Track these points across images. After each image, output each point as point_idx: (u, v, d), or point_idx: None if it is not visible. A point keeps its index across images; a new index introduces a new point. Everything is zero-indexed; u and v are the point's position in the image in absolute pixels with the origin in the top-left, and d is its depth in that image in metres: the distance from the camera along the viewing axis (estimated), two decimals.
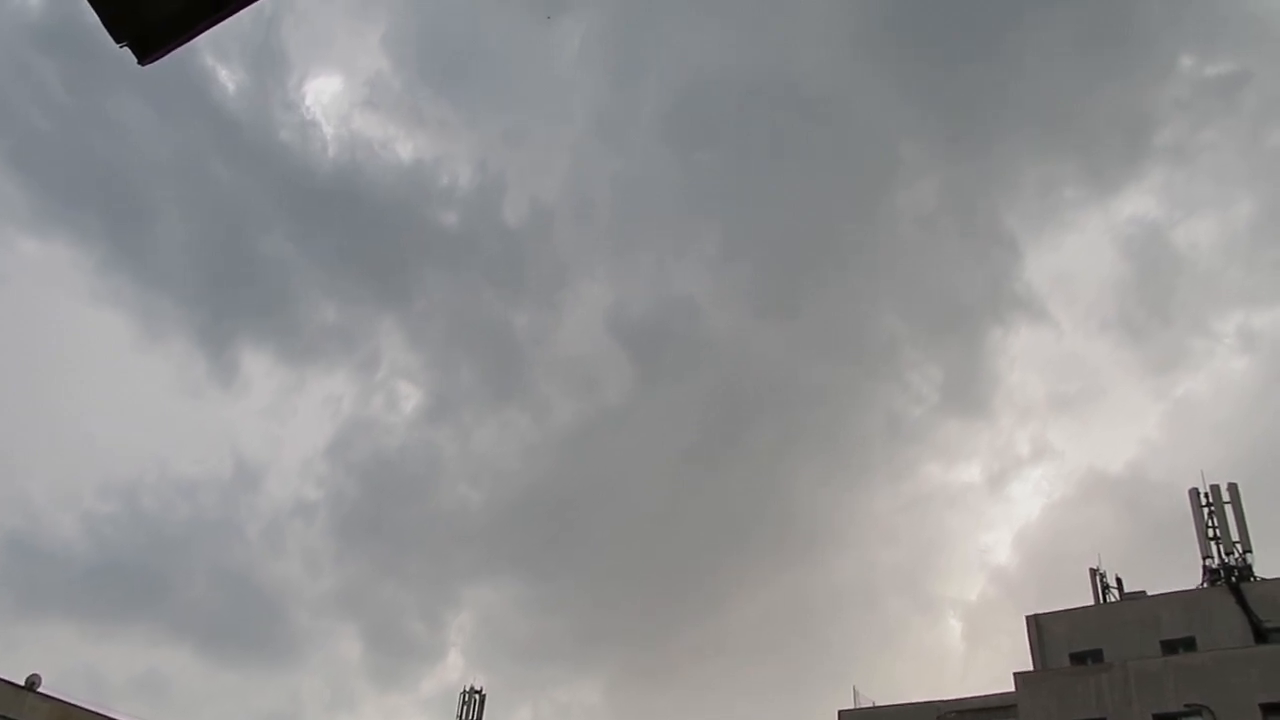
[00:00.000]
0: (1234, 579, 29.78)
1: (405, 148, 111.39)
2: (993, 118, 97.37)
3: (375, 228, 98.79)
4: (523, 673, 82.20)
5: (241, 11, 3.77)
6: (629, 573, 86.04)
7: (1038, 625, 32.36)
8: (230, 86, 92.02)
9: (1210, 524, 30.97)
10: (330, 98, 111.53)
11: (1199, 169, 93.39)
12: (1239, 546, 30.35)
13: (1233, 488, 31.06)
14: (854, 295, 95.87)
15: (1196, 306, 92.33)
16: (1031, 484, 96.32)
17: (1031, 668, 31.56)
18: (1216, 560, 30.46)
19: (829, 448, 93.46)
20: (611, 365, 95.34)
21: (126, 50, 3.78)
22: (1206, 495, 31.52)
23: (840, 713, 32.91)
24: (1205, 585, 30.50)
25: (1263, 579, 29.85)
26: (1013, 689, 29.72)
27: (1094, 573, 33.42)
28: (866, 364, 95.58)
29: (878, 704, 33.08)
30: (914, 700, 32.44)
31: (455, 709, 39.89)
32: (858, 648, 77.20)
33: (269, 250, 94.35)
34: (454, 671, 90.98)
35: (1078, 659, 31.07)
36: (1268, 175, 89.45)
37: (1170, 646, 29.86)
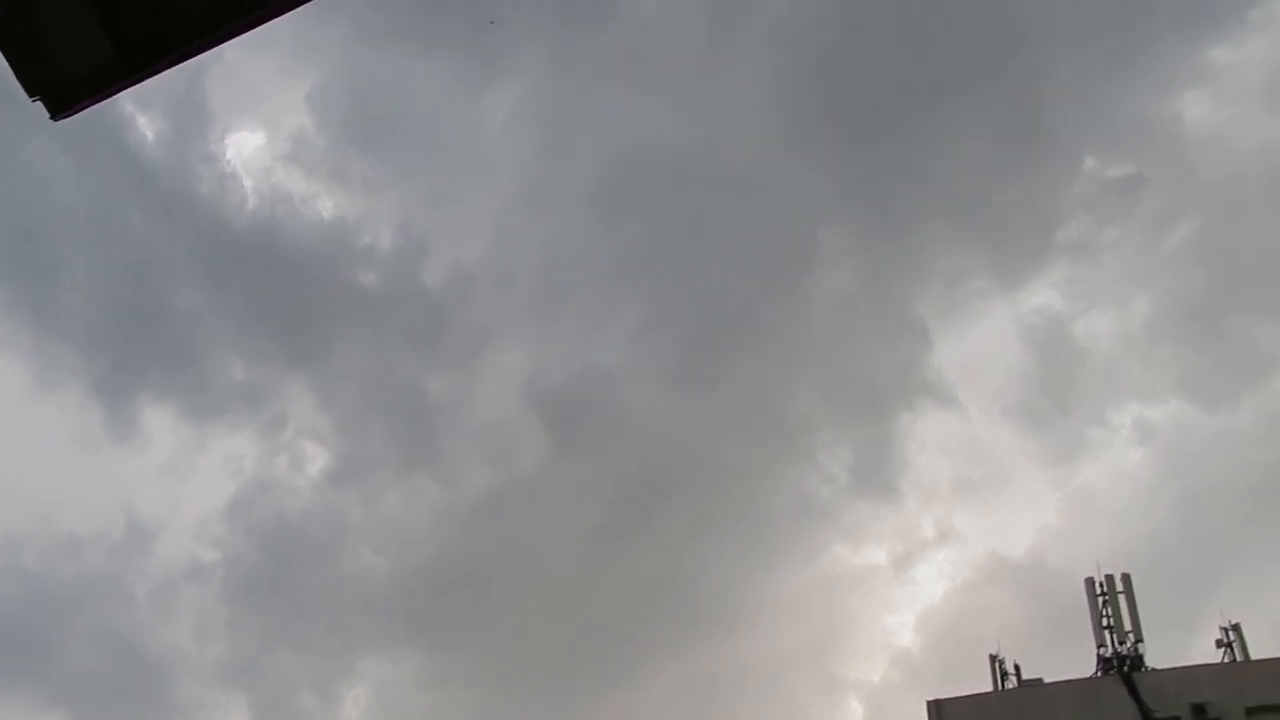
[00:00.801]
0: (1126, 668, 30.44)
1: (327, 205, 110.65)
2: (909, 206, 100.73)
3: (291, 285, 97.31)
4: None
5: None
6: (535, 648, 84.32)
7: (938, 710, 32.54)
8: (149, 135, 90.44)
9: (1105, 613, 31.72)
10: (252, 151, 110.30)
11: (1100, 266, 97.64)
12: (1131, 636, 31.10)
13: (1126, 578, 31.95)
14: (771, 375, 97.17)
15: (1095, 398, 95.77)
16: (936, 567, 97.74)
17: None
18: (1110, 649, 31.13)
19: (740, 526, 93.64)
20: (526, 434, 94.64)
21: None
22: (1101, 585, 32.33)
23: None
24: (1099, 674, 31.11)
25: (1153, 669, 30.56)
26: None
27: (993, 659, 33.85)
28: (780, 444, 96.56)
29: None
30: None
31: None
32: None
33: (178, 303, 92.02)
34: None
35: None
36: (1163, 275, 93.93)
37: None
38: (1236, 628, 31.75)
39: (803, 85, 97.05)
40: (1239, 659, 31.44)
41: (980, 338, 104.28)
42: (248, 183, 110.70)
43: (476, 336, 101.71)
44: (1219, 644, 31.74)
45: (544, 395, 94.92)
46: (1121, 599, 31.75)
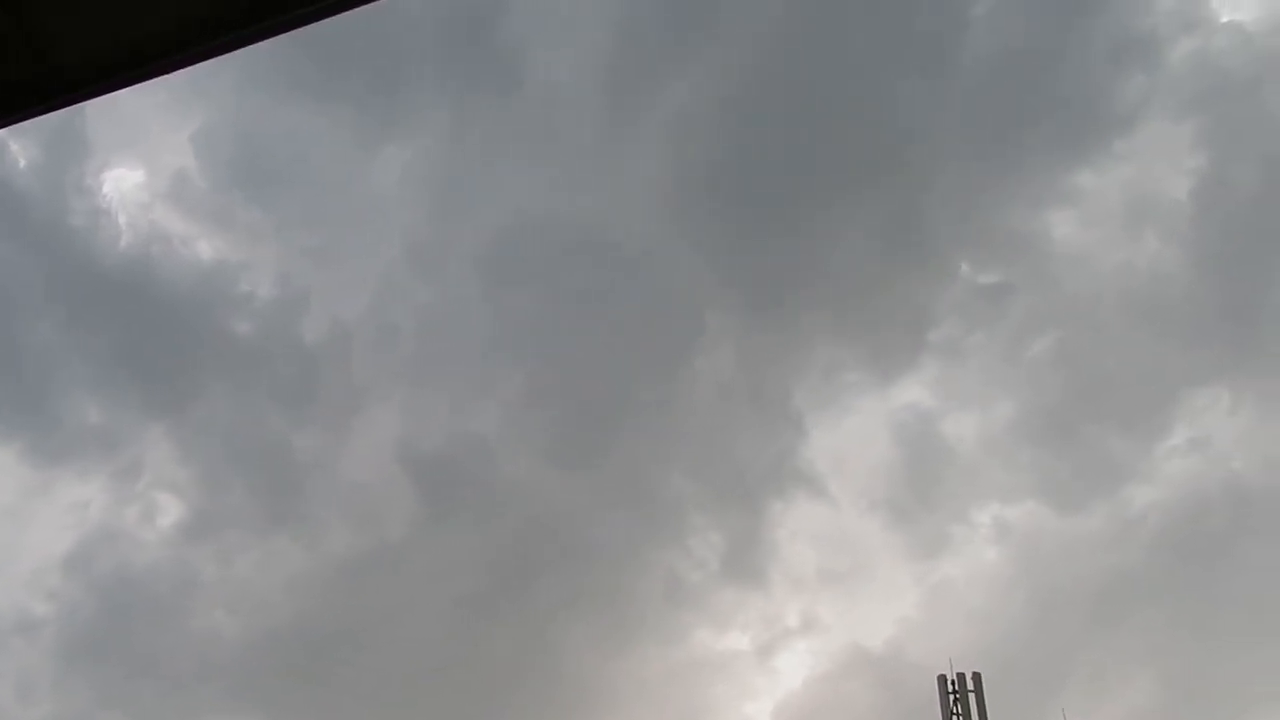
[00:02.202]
0: None
1: (205, 249, 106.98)
2: (792, 298, 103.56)
3: (160, 328, 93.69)
4: None
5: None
6: None
7: None
8: (21, 161, 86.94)
9: (955, 710, 32.39)
10: (131, 188, 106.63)
11: (968, 368, 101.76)
12: None
13: (976, 676, 32.75)
14: (647, 455, 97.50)
15: (958, 495, 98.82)
16: (797, 656, 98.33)
17: None
18: None
19: (607, 606, 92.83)
20: (396, 499, 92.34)
21: None
22: (953, 682, 33.04)
23: None
24: None
25: None
26: None
27: None
28: (652, 525, 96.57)
29: None
30: None
31: None
32: None
33: (33, 339, 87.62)
34: None
35: None
36: (1025, 381, 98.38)
37: None
38: None
39: (697, 172, 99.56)
40: None
41: (852, 430, 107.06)
42: (123, 219, 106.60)
43: (351, 395, 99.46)
44: None
45: (417, 460, 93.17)
46: (971, 697, 32.49)
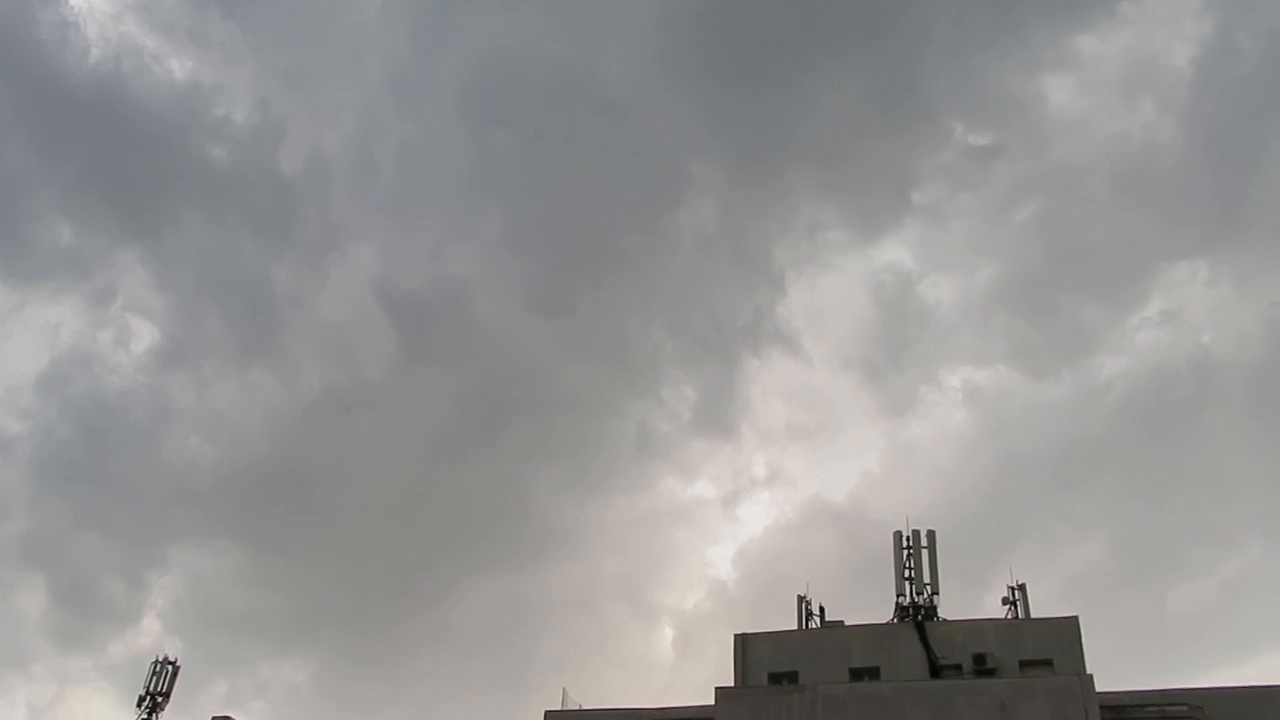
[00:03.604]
0: (920, 618, 32.39)
1: (180, 66, 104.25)
2: (777, 152, 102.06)
3: (132, 149, 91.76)
4: (226, 646, 78.14)
5: None
6: (360, 554, 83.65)
7: (744, 644, 33.96)
8: None
9: (908, 565, 33.53)
10: None
11: (950, 231, 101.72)
12: (929, 588, 33.03)
13: (931, 534, 33.78)
14: (626, 305, 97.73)
15: (930, 357, 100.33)
16: (761, 507, 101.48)
17: (733, 683, 33.07)
18: (908, 599, 33.01)
19: (577, 452, 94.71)
20: (373, 338, 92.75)
21: None
22: (908, 539, 34.08)
23: (547, 713, 33.28)
24: (895, 620, 33.00)
25: (945, 620, 32.63)
26: (713, 702, 30.96)
27: (801, 599, 35.46)
28: (628, 375, 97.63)
29: (584, 707, 33.64)
30: (620, 706, 33.25)
31: (144, 679, 37.31)
32: (575, 650, 78.53)
33: (3, 158, 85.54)
34: (148, 637, 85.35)
35: (775, 679, 32.83)
36: (1007, 247, 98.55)
37: (858, 674, 32.09)
38: (1022, 588, 34.20)
39: (687, 20, 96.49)
40: (1021, 616, 33.86)
41: (831, 288, 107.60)
42: (91, 32, 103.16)
43: (329, 231, 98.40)
44: (1005, 601, 34.16)
45: (395, 299, 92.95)
46: (925, 554, 33.58)
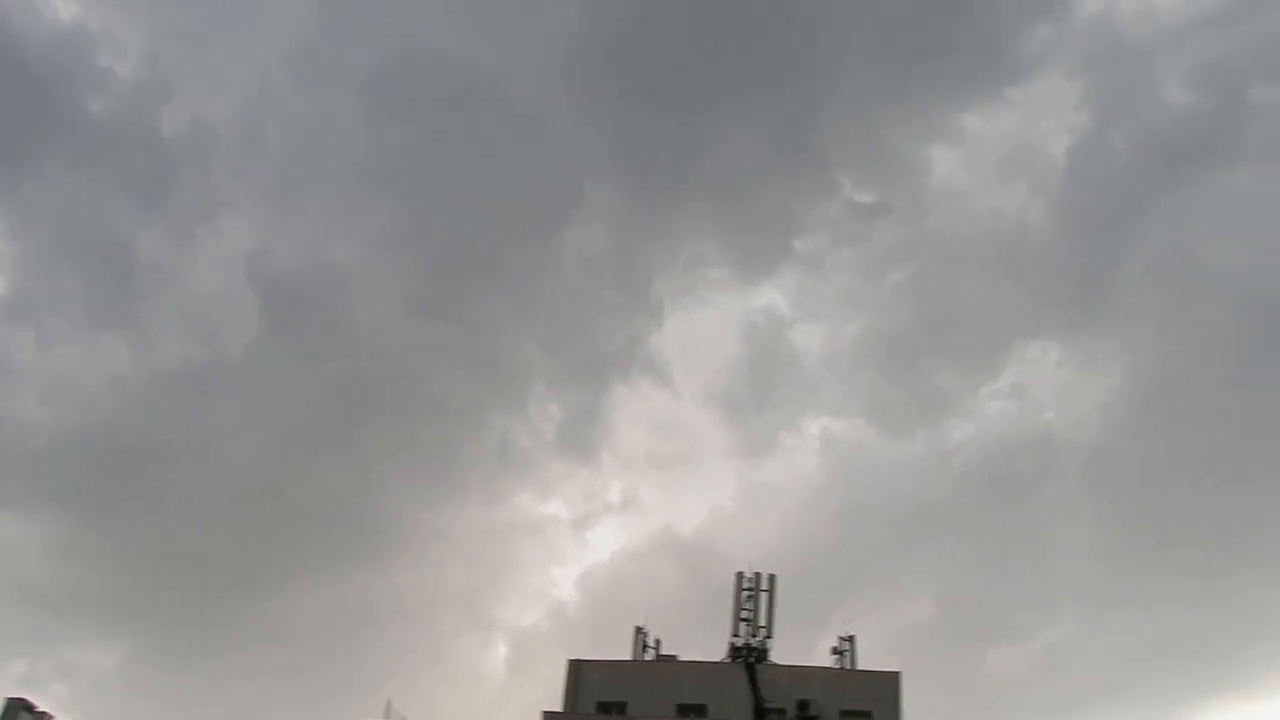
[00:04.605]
0: (751, 659, 32.92)
1: (65, 8, 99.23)
2: (672, 185, 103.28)
3: (3, 90, 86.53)
4: (30, 623, 73.26)
5: None
6: (196, 540, 79.77)
7: (577, 669, 33.95)
8: None
9: (746, 606, 34.08)
10: None
11: (828, 282, 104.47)
12: (764, 631, 33.63)
13: (772, 578, 34.43)
14: (504, 316, 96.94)
15: (792, 403, 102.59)
16: (611, 531, 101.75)
17: (561, 708, 32.97)
18: (742, 640, 33.53)
19: (436, 459, 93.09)
20: (239, 317, 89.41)
21: None
22: (750, 579, 34.65)
23: None
24: (728, 660, 33.47)
25: (774, 664, 33.26)
26: None
27: (638, 630, 35.67)
28: (497, 386, 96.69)
29: None
30: None
31: None
32: (408, 658, 76.70)
33: None
34: None
35: (604, 708, 32.89)
36: (879, 305, 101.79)
37: (685, 710, 32.48)
38: (852, 639, 35.17)
39: (600, 42, 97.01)
40: (848, 667, 34.79)
41: (706, 324, 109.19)
42: None
43: (206, 200, 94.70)
44: (834, 650, 35.06)
45: (269, 280, 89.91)
46: (764, 596, 34.18)
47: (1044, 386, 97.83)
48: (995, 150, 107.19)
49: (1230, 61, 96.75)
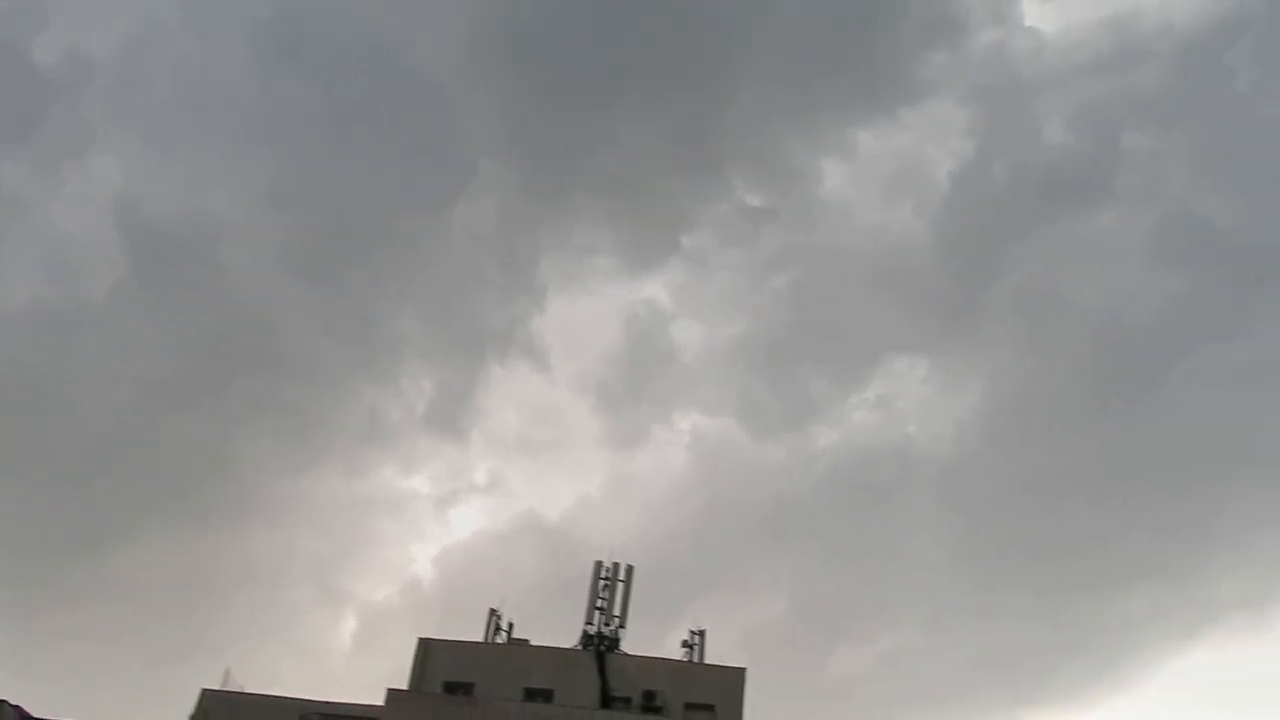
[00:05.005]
0: (602, 648, 33.23)
1: None
2: (567, 170, 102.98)
3: None
4: None
5: None
6: (34, 488, 75.99)
7: (426, 648, 33.66)
8: None
9: (602, 595, 34.38)
10: None
11: (712, 281, 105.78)
12: (617, 621, 33.99)
13: (629, 569, 34.85)
14: (384, 285, 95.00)
15: (667, 397, 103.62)
16: (474, 511, 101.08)
17: (408, 686, 32.63)
18: (595, 628, 33.80)
19: (301, 424, 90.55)
20: (104, 260, 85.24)
21: None
22: (609, 569, 34.97)
23: (204, 690, 31.59)
24: (579, 647, 33.68)
25: (625, 654, 33.65)
26: (383, 702, 30.39)
27: (492, 612, 35.58)
28: (370, 356, 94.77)
29: (247, 689, 32.15)
30: (284, 695, 31.96)
31: None
32: (253, 626, 74.62)
33: None
34: None
35: (451, 688, 32.66)
36: (759, 308, 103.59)
37: (533, 694, 32.51)
38: (702, 633, 35.75)
39: (509, 18, 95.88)
40: (697, 661, 35.38)
41: (588, 312, 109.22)
42: None
43: (77, 136, 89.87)
44: (684, 644, 35.60)
45: (138, 223, 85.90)
46: (620, 586, 34.55)
47: (908, 400, 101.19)
48: (883, 168, 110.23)
49: (1108, 107, 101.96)
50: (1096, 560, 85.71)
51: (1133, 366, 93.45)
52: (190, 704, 31.60)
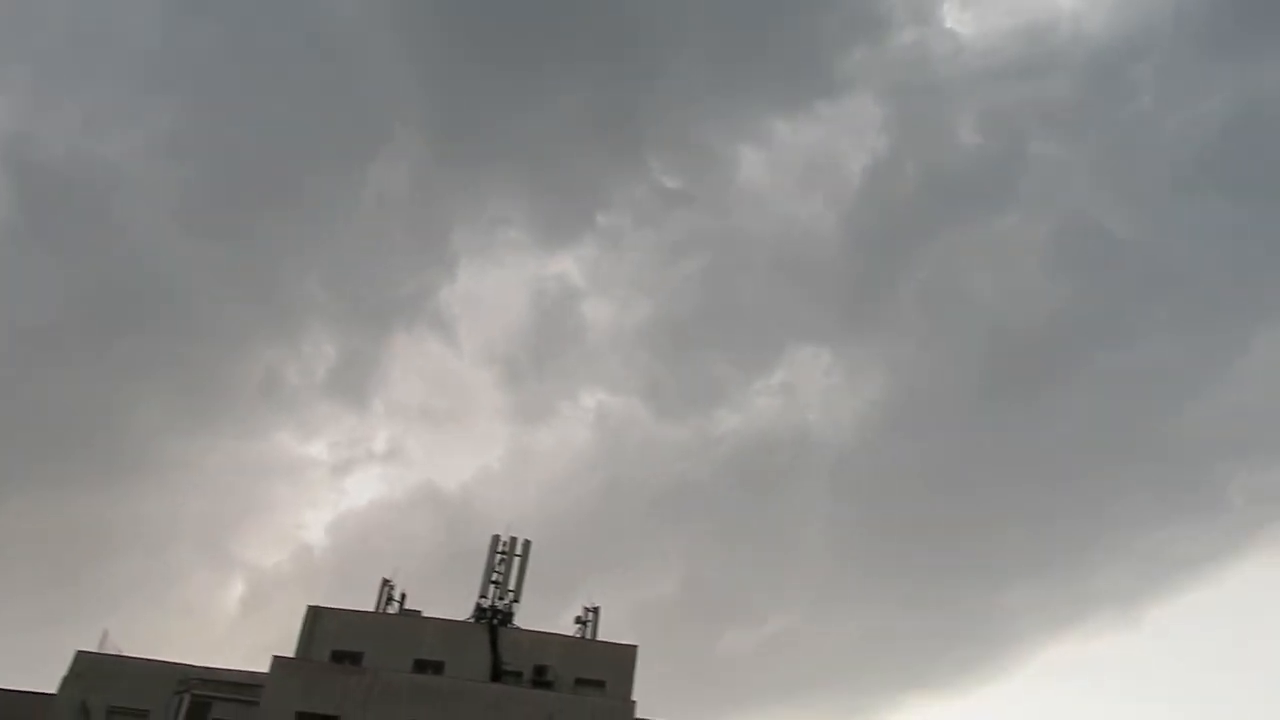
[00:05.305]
0: (495, 621, 33.14)
1: None
2: (485, 140, 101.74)
3: None
4: None
5: None
6: None
7: (315, 616, 33.12)
8: None
9: (498, 569, 34.21)
10: None
11: (624, 260, 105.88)
12: (512, 595, 33.88)
13: (526, 543, 34.71)
14: (288, 244, 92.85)
15: (572, 374, 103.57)
16: (372, 480, 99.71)
17: (295, 654, 32.08)
18: (490, 601, 33.67)
19: (194, 383, 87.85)
20: None
21: None
22: (506, 543, 34.80)
23: (79, 653, 30.53)
24: (472, 620, 33.52)
25: (518, 628, 33.61)
26: (268, 670, 29.85)
27: (385, 582, 35.19)
28: (270, 317, 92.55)
29: (126, 653, 31.19)
30: (163, 659, 31.11)
31: None
32: (136, 588, 72.65)
33: None
34: None
35: (339, 657, 32.22)
36: (669, 290, 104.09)
37: (423, 666, 32.27)
38: (596, 610, 35.93)
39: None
40: (590, 637, 35.55)
41: (497, 284, 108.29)
42: None
43: None
44: (578, 620, 35.76)
45: (27, 164, 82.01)
46: (517, 561, 34.42)
47: (810, 389, 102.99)
48: (799, 159, 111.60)
49: (1018, 113, 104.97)
50: (979, 552, 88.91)
51: (1025, 367, 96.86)
52: (65, 668, 30.55)
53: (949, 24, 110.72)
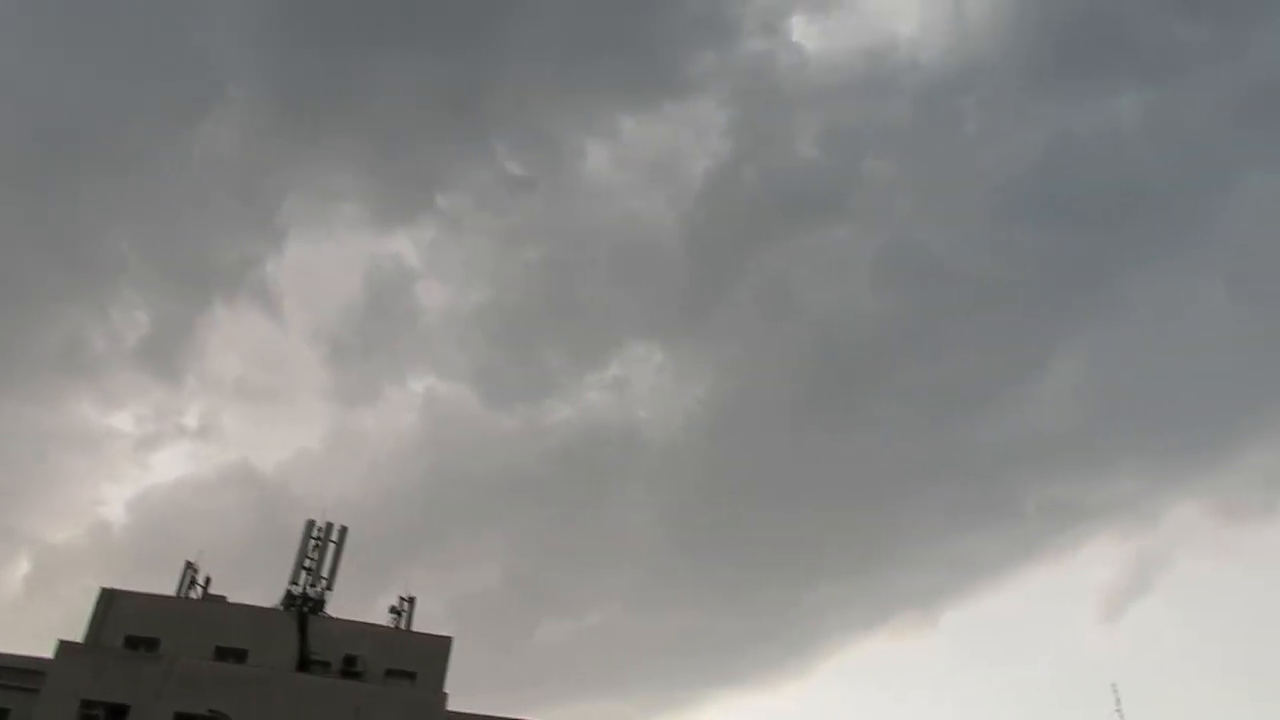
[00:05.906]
0: (305, 609, 32.05)
1: None
2: (326, 110, 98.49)
3: None
4: None
5: None
6: None
7: (109, 598, 31.27)
8: None
9: (311, 555, 33.10)
10: None
11: (462, 245, 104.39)
12: (325, 583, 32.85)
13: (343, 530, 33.74)
14: (102, 202, 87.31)
15: (402, 357, 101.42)
16: (181, 457, 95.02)
17: (84, 639, 30.21)
18: (300, 588, 32.54)
19: None
20: None
21: None
22: (321, 528, 33.69)
23: None
24: (281, 607, 32.32)
25: (329, 617, 32.60)
26: (53, 655, 28.03)
27: (188, 565, 33.55)
28: (77, 279, 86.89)
29: None
30: None
31: None
32: None
33: None
34: None
35: (134, 643, 30.55)
36: (507, 278, 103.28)
37: (224, 654, 30.88)
38: (412, 600, 35.27)
39: None
40: (405, 628, 34.86)
41: (329, 260, 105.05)
42: None
43: None
44: (393, 610, 35.00)
45: None
46: (331, 547, 33.40)
47: (642, 385, 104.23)
48: (644, 156, 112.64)
49: (855, 130, 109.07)
50: (790, 554, 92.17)
51: (846, 377, 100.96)
52: None
53: (796, 37, 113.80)
